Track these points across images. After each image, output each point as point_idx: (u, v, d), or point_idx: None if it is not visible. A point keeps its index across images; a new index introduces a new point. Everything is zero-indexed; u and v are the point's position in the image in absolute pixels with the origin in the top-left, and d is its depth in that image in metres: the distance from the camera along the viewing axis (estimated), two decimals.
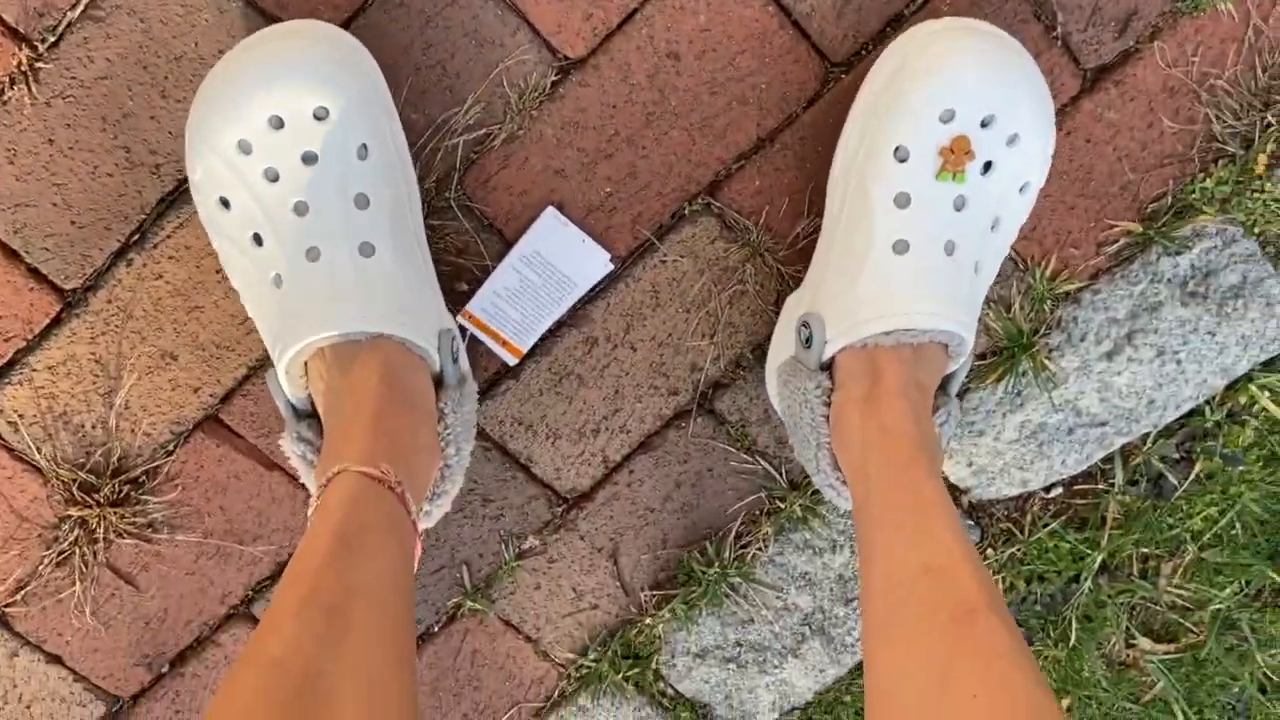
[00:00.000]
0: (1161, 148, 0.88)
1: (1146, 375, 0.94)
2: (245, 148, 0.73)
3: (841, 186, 0.80)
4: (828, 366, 0.78)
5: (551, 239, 0.86)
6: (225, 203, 0.75)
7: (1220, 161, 0.89)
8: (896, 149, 0.75)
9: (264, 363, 0.87)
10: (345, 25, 0.79)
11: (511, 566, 0.95)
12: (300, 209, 0.73)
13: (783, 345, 0.85)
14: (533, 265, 0.86)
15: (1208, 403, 0.97)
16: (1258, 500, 1.01)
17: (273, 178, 0.73)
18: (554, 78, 0.82)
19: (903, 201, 0.75)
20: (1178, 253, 0.90)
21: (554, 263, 0.87)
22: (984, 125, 0.75)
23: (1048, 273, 0.90)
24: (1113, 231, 0.90)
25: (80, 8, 0.77)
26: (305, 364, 0.74)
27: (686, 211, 0.87)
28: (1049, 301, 0.91)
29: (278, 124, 0.72)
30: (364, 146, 0.74)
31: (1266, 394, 0.97)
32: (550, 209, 0.85)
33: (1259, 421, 0.99)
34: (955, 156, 0.74)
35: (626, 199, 0.85)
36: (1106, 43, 0.85)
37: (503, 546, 0.95)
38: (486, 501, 0.93)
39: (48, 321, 0.84)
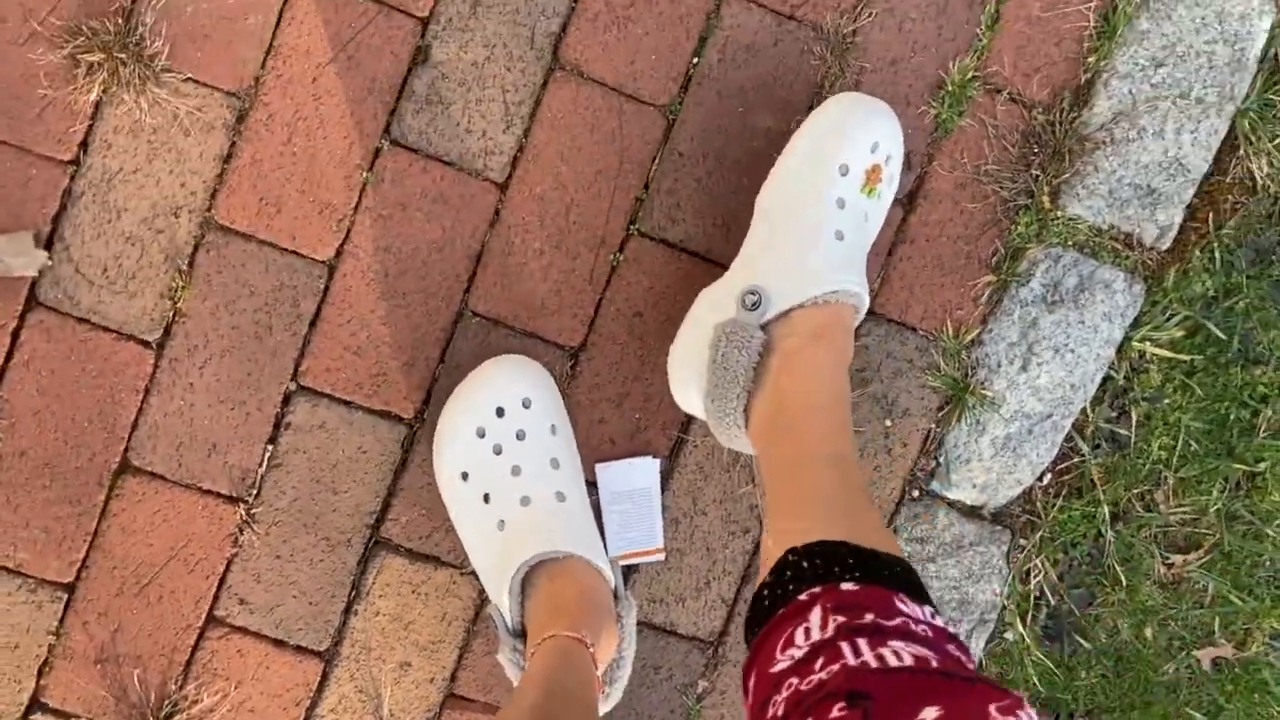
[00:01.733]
0: (978, 220, 1.24)
1: (1058, 369, 1.27)
2: (480, 433, 1.08)
3: (782, 196, 1.08)
4: (764, 329, 1.04)
5: (613, 478, 1.20)
6: (465, 475, 1.09)
7: (1020, 212, 1.25)
8: (840, 165, 1.06)
9: (468, 643, 1.20)
10: (428, 392, 1.17)
11: (697, 710, 1.24)
12: (515, 470, 1.08)
13: (704, 322, 1.08)
14: (618, 501, 1.20)
15: (1111, 368, 1.29)
16: (1192, 418, 1.31)
17: (497, 451, 1.08)
18: (570, 363, 1.19)
19: (841, 204, 1.06)
20: (1027, 281, 1.25)
21: (627, 490, 1.20)
22: (887, 161, 1.11)
23: (950, 333, 1.24)
24: (977, 287, 1.25)
25: (265, 463, 1.15)
26: (523, 581, 1.05)
27: None
28: (962, 352, 1.25)
29: (500, 413, 1.09)
30: (553, 426, 1.11)
31: (1148, 344, 1.29)
32: (596, 464, 1.19)
33: (1155, 365, 1.31)
34: (874, 176, 1.10)
35: (650, 416, 1.21)
36: (906, 178, 1.23)
37: (683, 697, 1.24)
38: (656, 669, 1.23)
39: (319, 679, 1.18)
